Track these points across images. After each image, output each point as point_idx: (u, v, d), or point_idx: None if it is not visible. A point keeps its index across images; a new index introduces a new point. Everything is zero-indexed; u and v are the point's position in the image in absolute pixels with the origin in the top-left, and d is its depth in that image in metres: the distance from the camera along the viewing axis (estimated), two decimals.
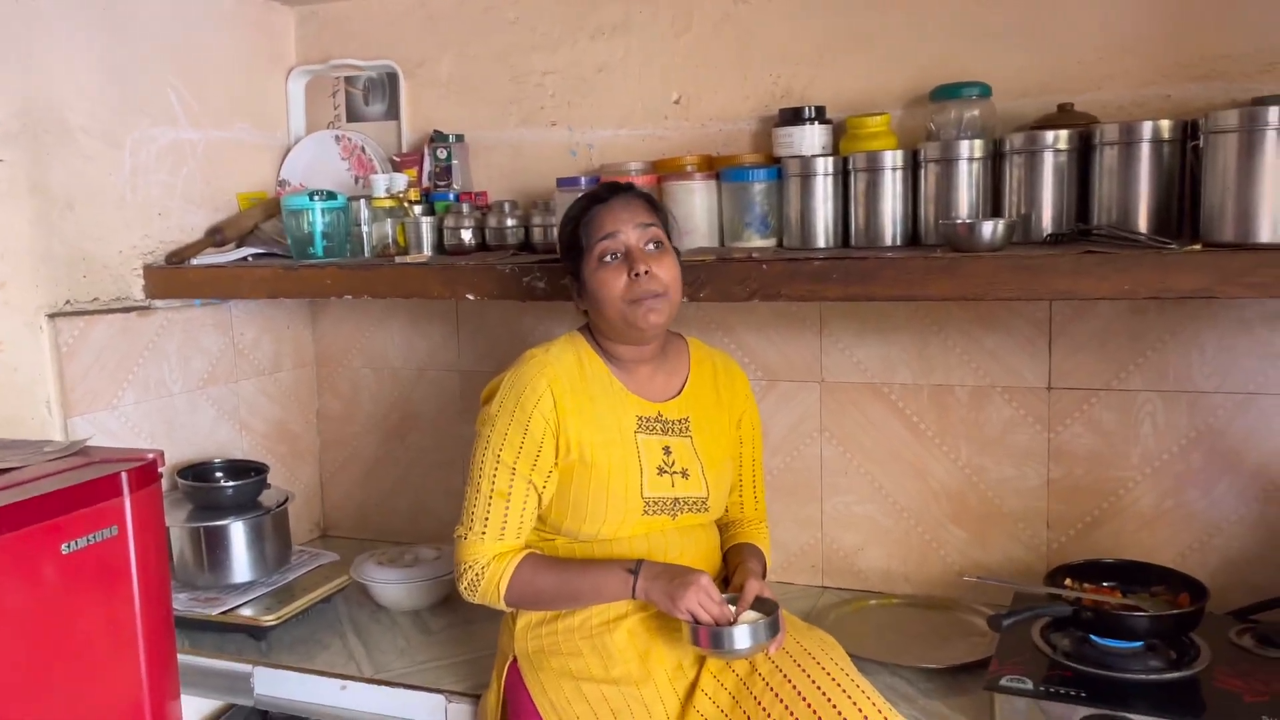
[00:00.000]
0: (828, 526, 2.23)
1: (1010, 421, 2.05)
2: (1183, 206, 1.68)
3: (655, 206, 1.69)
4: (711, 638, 1.52)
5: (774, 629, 1.54)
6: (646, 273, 1.59)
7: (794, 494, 2.25)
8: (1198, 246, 1.51)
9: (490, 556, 1.64)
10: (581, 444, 1.63)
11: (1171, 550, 1.96)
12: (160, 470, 1.38)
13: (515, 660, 1.71)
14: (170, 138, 2.26)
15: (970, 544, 2.11)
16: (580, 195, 1.74)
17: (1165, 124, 1.66)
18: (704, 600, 1.52)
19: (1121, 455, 1.98)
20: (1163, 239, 1.58)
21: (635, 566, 1.59)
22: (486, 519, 1.64)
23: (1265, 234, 1.47)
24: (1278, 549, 1.68)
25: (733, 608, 1.57)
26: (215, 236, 2.30)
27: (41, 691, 1.21)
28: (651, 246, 1.63)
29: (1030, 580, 1.99)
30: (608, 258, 1.62)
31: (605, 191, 1.69)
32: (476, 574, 1.64)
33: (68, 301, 2.05)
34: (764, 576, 1.73)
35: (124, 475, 1.30)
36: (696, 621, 1.53)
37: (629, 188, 1.71)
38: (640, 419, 1.68)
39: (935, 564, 2.15)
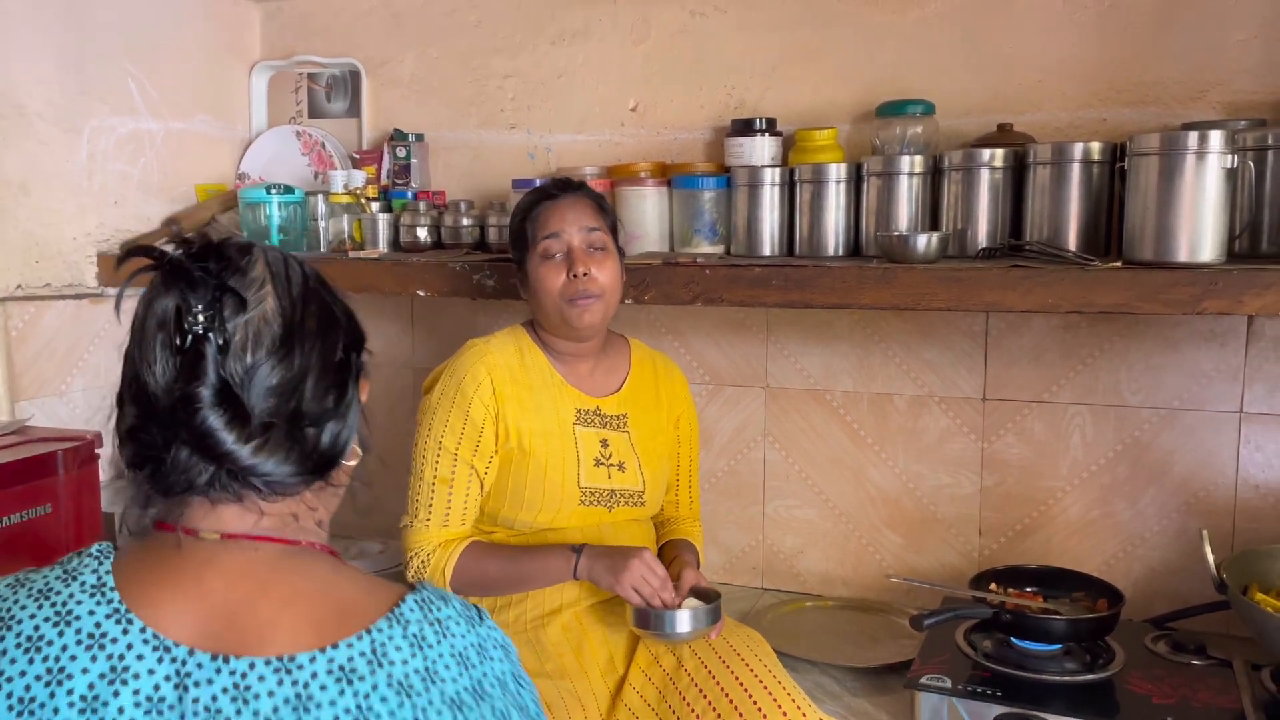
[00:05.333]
0: (769, 529, 2.28)
1: (946, 430, 2.10)
2: (1110, 225, 1.74)
3: (603, 209, 1.74)
4: (654, 620, 1.56)
5: (715, 615, 1.58)
6: (585, 274, 1.64)
7: (737, 497, 2.29)
8: (1118, 264, 1.57)
9: (435, 543, 1.66)
10: (520, 432, 1.67)
11: (1097, 558, 2.02)
12: (97, 451, 1.39)
13: None
14: (129, 127, 2.27)
15: (905, 549, 2.16)
16: (533, 189, 1.78)
17: (1095, 146, 1.72)
18: (646, 574, 1.56)
19: (1051, 466, 2.04)
20: (1088, 256, 1.63)
21: (578, 548, 1.63)
22: (431, 506, 1.66)
23: (1182, 253, 1.54)
24: (1198, 560, 1.73)
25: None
26: (172, 227, 2.31)
27: None
28: (594, 249, 1.67)
29: (960, 585, 2.04)
30: (550, 255, 1.66)
31: (556, 189, 1.73)
32: (422, 561, 1.66)
33: (19, 286, 2.06)
34: (697, 569, 1.77)
35: (59, 454, 1.31)
36: (646, 603, 1.56)
37: (580, 186, 1.75)
38: (579, 412, 1.72)
39: (871, 568, 2.20)
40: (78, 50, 2.14)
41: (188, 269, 0.82)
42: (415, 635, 0.82)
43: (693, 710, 1.53)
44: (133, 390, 0.83)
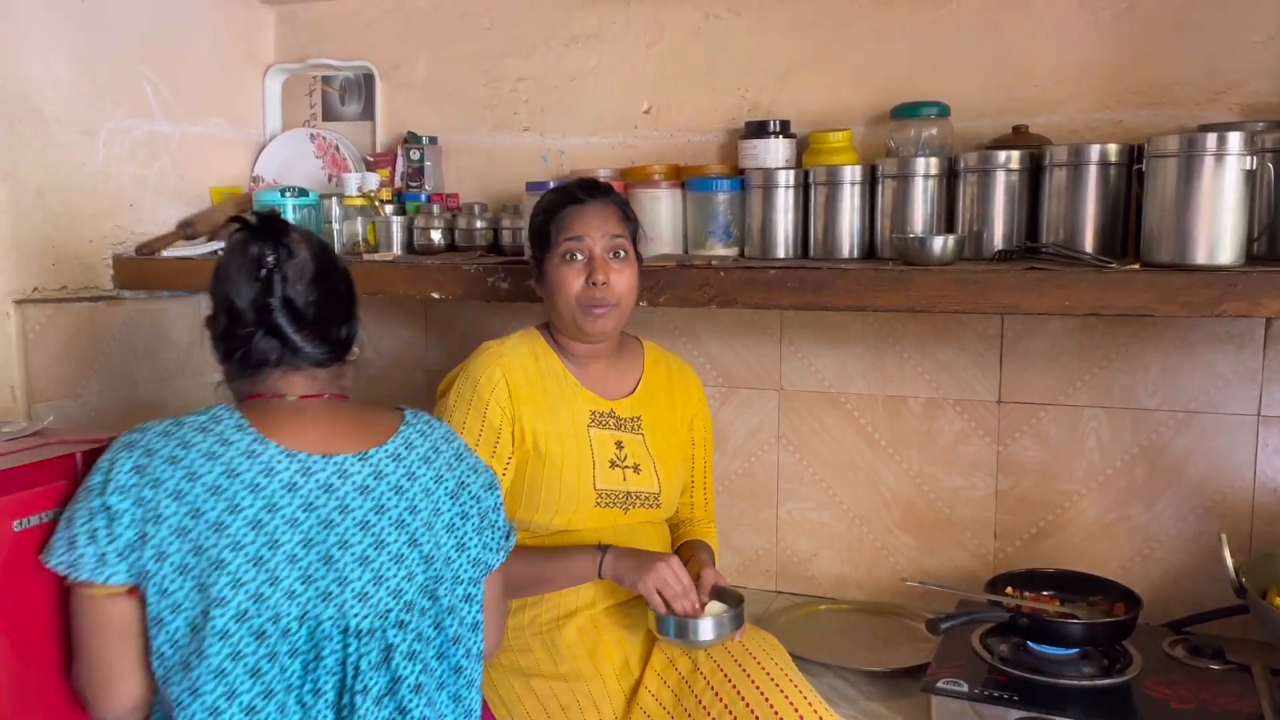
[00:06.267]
0: (783, 532, 2.27)
1: (961, 433, 2.10)
2: (1127, 227, 1.73)
3: (627, 216, 1.73)
4: (678, 628, 1.55)
5: (738, 621, 1.58)
6: (604, 282, 1.64)
7: (751, 499, 2.29)
8: (1136, 266, 1.56)
9: None
10: (535, 434, 1.67)
11: (1114, 562, 2.01)
12: None
13: None
14: (145, 130, 2.28)
15: (920, 552, 2.16)
16: (559, 187, 1.77)
17: (1112, 148, 1.71)
18: (670, 579, 1.56)
19: (1067, 468, 2.03)
20: (1105, 258, 1.63)
21: (603, 546, 1.63)
22: None
23: (1201, 255, 1.53)
24: (1215, 563, 1.72)
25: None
26: (186, 229, 2.32)
27: None
28: (615, 255, 1.67)
29: (975, 588, 2.03)
30: (570, 256, 1.66)
31: (583, 192, 1.71)
32: None
33: (36, 289, 2.07)
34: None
35: (79, 456, 1.32)
36: (668, 608, 1.56)
37: (607, 191, 1.73)
38: (593, 414, 1.72)
39: (885, 571, 2.19)
40: (94, 53, 2.15)
41: (262, 230, 1.30)
42: (420, 432, 1.38)
43: (708, 713, 1.53)
44: (224, 308, 1.30)
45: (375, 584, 1.26)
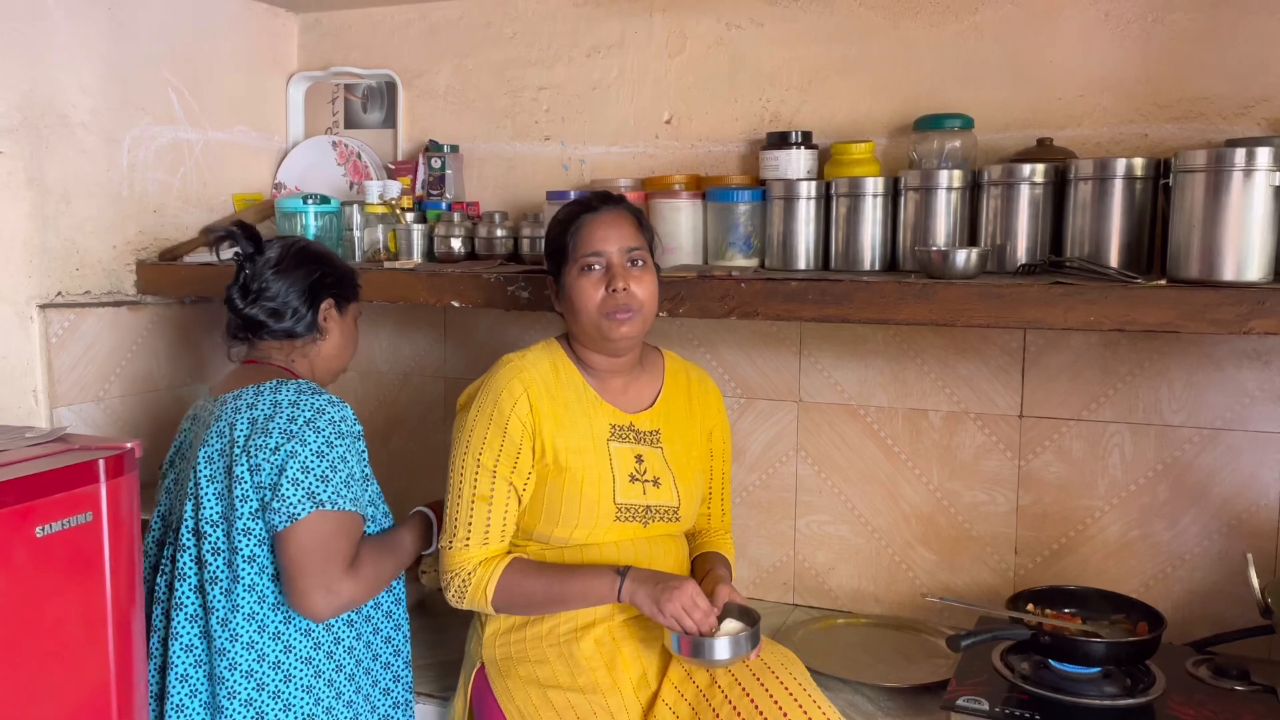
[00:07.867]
0: (800, 545, 2.26)
1: (982, 447, 2.08)
2: (1153, 243, 1.72)
3: (642, 224, 1.73)
4: (693, 646, 1.54)
5: (755, 640, 1.56)
6: (625, 289, 1.63)
7: (768, 511, 2.27)
8: (1163, 282, 1.55)
9: (475, 563, 1.66)
10: (556, 448, 1.66)
11: (1136, 580, 1.98)
12: (137, 459, 1.41)
13: (482, 667, 1.73)
14: (169, 136, 2.30)
15: (939, 567, 2.14)
16: (572, 201, 1.78)
17: (1138, 162, 1.69)
18: (689, 607, 1.55)
19: (1089, 485, 2.01)
20: (1131, 274, 1.61)
21: (622, 570, 1.62)
22: (470, 525, 1.66)
23: (1229, 272, 1.51)
24: (1240, 582, 1.70)
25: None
26: (208, 235, 2.33)
27: (7, 670, 1.23)
28: (633, 264, 1.66)
29: (996, 605, 2.01)
30: (590, 268, 1.66)
31: (597, 201, 1.71)
32: (463, 580, 1.66)
33: (59, 293, 2.08)
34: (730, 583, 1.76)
35: (100, 463, 1.32)
36: (681, 629, 1.55)
37: (620, 200, 1.74)
38: (613, 428, 1.71)
39: (904, 585, 2.17)
40: (120, 60, 2.17)
41: (239, 234, 1.73)
42: (256, 392, 1.64)
43: None
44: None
45: (189, 498, 1.63)
